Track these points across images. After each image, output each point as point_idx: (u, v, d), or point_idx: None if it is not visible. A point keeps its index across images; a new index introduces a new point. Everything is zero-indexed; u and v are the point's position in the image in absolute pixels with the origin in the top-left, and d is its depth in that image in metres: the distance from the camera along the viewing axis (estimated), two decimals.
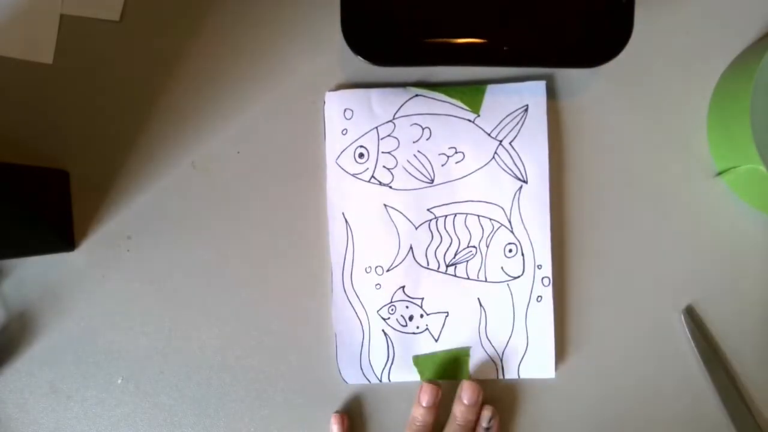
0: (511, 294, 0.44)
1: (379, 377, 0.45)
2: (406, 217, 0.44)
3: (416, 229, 0.44)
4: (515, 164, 0.44)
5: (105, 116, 0.45)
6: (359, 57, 0.42)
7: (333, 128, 0.44)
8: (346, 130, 0.44)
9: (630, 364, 0.45)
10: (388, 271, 0.44)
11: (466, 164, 0.44)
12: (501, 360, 0.44)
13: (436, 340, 0.45)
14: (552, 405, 0.45)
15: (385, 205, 0.44)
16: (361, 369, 0.45)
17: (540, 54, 0.43)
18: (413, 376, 0.45)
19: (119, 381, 0.45)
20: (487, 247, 0.44)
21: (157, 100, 0.45)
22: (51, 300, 0.45)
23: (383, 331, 0.44)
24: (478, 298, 0.44)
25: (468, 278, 0.44)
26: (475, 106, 0.44)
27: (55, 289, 0.45)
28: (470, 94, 0.44)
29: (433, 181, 0.44)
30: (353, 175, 0.44)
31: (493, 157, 0.44)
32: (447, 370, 0.45)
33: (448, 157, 0.44)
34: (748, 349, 0.44)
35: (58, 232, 0.44)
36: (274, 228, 0.45)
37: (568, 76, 0.45)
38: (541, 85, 0.44)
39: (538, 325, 0.44)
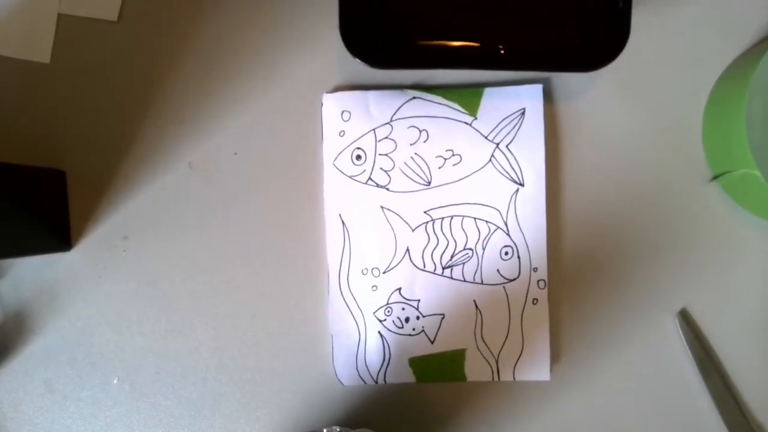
0: (507, 296, 0.44)
1: (375, 379, 0.45)
2: (403, 219, 0.44)
3: (413, 231, 0.44)
4: (512, 167, 0.44)
5: (102, 116, 0.45)
6: (357, 59, 0.42)
7: (330, 130, 0.44)
8: (344, 131, 0.44)
9: (625, 367, 0.45)
10: (384, 272, 0.44)
11: (463, 167, 0.44)
12: (496, 362, 0.44)
13: (432, 342, 0.45)
14: (547, 407, 0.45)
15: (382, 207, 0.44)
16: (357, 370, 0.45)
17: (537, 58, 0.43)
18: (409, 377, 0.45)
19: (115, 381, 0.45)
20: (484, 249, 0.44)
21: (154, 101, 0.45)
22: (47, 300, 0.45)
23: (379, 332, 0.45)
24: (474, 301, 0.44)
25: (464, 280, 0.44)
26: (472, 109, 0.44)
27: (52, 289, 0.45)
28: (468, 96, 0.44)
29: (430, 183, 0.44)
30: (350, 176, 0.44)
31: (490, 160, 0.44)
32: (443, 372, 0.45)
33: (445, 159, 0.44)
34: (743, 353, 0.45)
35: (55, 231, 0.44)
36: (271, 229, 0.45)
37: (565, 80, 0.45)
38: (538, 88, 0.44)
39: (534, 328, 0.44)
